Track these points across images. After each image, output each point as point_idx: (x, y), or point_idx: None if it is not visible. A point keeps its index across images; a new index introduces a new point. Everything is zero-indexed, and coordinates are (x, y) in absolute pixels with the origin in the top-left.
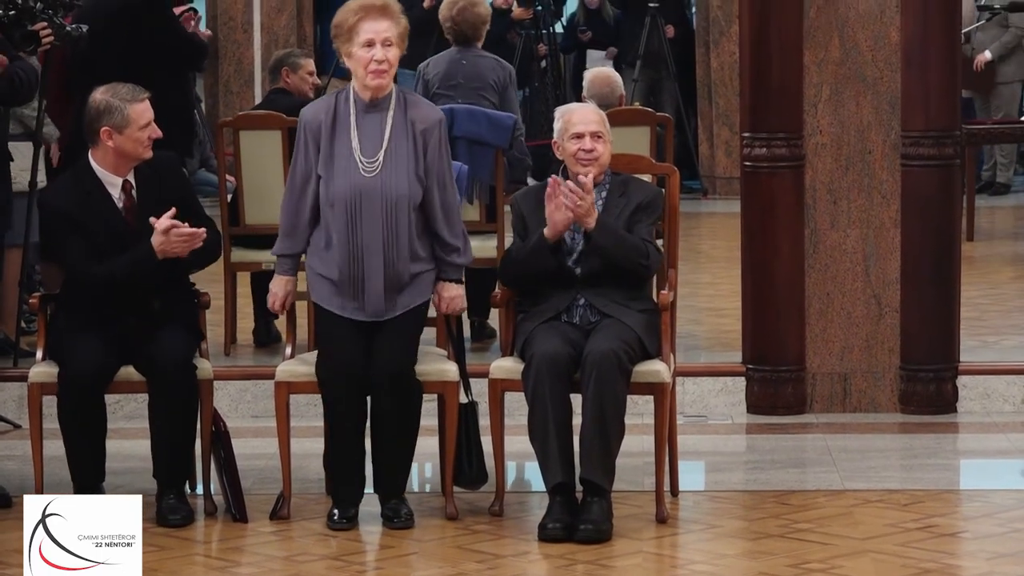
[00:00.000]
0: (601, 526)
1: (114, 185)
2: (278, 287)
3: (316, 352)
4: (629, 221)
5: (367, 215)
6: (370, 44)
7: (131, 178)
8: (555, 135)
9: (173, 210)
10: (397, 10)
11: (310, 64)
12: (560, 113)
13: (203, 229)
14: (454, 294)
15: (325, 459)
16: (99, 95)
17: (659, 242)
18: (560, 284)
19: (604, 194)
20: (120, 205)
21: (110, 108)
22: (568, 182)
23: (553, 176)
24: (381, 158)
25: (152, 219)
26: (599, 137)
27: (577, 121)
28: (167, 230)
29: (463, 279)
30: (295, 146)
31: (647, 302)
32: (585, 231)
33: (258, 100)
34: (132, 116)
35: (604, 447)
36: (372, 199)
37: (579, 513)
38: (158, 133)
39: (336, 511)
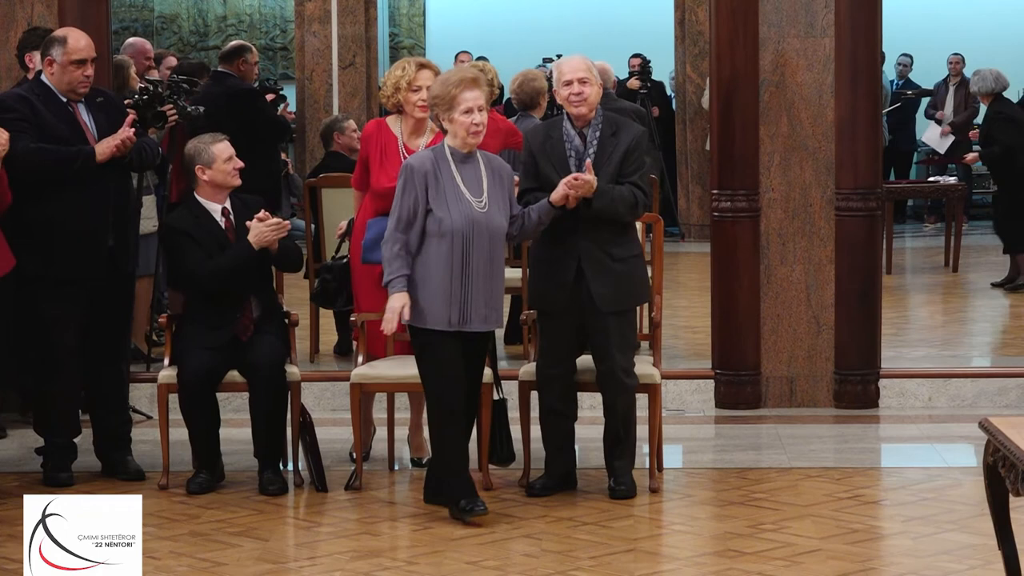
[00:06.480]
0: (631, 490)
1: (215, 211)
2: (399, 301)
3: (382, 361)
4: (620, 164)
5: (478, 243)
6: (469, 111)
7: (228, 205)
8: (553, 85)
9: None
10: (484, 81)
11: (351, 123)
12: (553, 67)
13: (288, 222)
14: None
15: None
16: (189, 145)
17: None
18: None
19: (598, 134)
20: (222, 225)
21: (198, 151)
22: (567, 180)
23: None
24: (486, 198)
25: (248, 222)
26: (584, 81)
27: (566, 70)
28: (261, 220)
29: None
30: (403, 187)
31: (630, 248)
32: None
33: None
34: (215, 153)
35: (627, 438)
36: (482, 229)
37: (612, 479)
38: (240, 164)
39: (465, 502)
